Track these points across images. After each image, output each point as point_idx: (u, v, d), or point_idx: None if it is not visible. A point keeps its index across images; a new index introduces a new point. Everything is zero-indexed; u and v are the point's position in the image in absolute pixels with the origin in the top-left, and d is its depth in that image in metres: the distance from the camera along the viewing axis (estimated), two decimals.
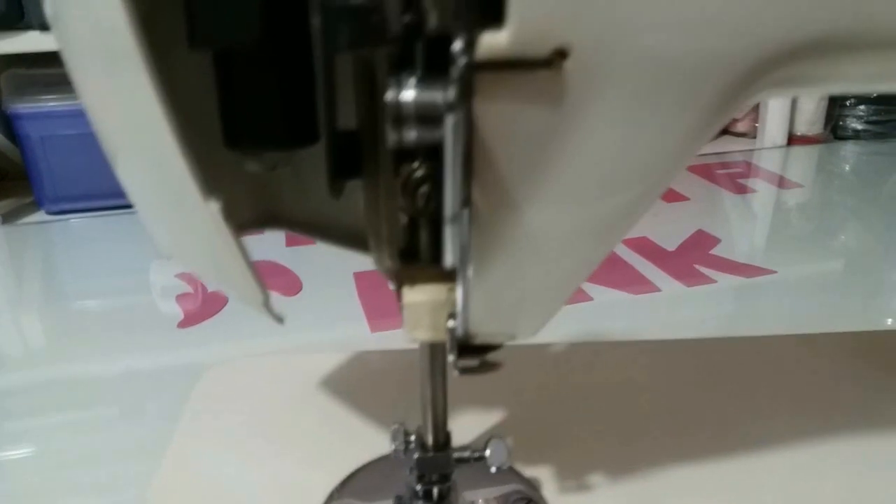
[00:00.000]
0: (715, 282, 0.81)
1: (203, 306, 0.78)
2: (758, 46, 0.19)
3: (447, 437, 0.32)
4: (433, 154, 0.24)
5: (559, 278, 0.24)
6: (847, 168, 1.28)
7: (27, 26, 0.96)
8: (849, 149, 1.33)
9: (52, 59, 1.01)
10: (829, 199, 1.17)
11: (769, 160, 1.28)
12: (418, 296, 0.26)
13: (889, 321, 0.77)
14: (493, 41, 0.18)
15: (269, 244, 0.93)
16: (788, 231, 1.03)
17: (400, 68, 0.22)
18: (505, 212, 0.21)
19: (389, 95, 0.20)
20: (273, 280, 0.84)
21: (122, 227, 1.01)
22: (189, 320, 0.75)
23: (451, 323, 0.25)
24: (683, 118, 0.19)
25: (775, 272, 0.83)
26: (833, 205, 1.13)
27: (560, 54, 0.18)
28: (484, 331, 0.25)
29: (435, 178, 0.24)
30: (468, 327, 0.25)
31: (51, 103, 1.00)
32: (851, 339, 0.50)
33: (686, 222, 0.98)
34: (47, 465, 0.54)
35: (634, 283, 0.80)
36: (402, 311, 0.27)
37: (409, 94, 0.20)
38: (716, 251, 0.89)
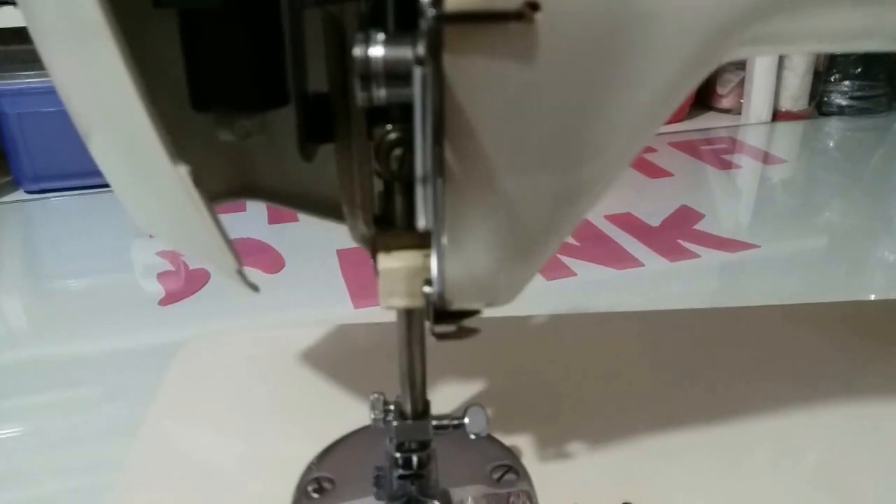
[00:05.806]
0: (698, 256, 0.81)
1: (185, 284, 0.77)
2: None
3: (426, 405, 0.32)
4: (407, 116, 0.24)
5: (534, 245, 0.24)
6: (831, 144, 1.28)
7: (3, 1, 0.94)
8: (833, 125, 1.34)
9: (29, 35, 1.00)
10: (813, 175, 1.17)
11: (754, 136, 1.28)
12: (394, 262, 0.26)
13: (871, 297, 0.78)
14: None
15: (252, 222, 0.92)
16: (773, 207, 1.03)
17: (370, 26, 0.21)
18: (479, 176, 0.21)
19: (357, 51, 0.20)
20: (255, 257, 0.83)
21: (103, 205, 1.00)
22: (170, 298, 0.75)
23: (426, 289, 0.25)
24: (660, 75, 0.19)
25: (759, 247, 0.83)
26: (817, 181, 1.14)
27: (532, 6, 0.18)
28: (460, 296, 0.25)
29: (409, 141, 0.24)
30: (444, 293, 0.25)
31: (28, 80, 0.98)
32: (835, 309, 0.50)
33: (670, 198, 0.98)
34: (29, 446, 0.53)
35: (618, 258, 0.80)
36: (378, 279, 0.26)
37: (377, 51, 0.20)
38: (699, 226, 0.89)
